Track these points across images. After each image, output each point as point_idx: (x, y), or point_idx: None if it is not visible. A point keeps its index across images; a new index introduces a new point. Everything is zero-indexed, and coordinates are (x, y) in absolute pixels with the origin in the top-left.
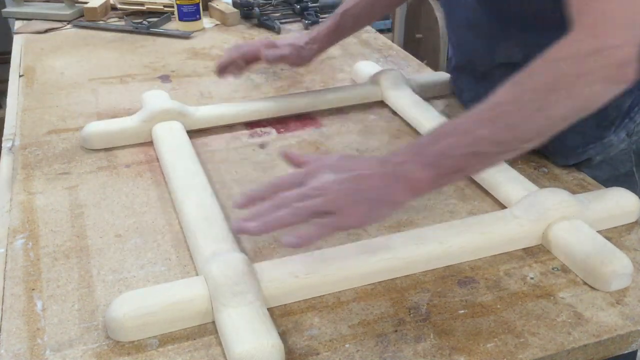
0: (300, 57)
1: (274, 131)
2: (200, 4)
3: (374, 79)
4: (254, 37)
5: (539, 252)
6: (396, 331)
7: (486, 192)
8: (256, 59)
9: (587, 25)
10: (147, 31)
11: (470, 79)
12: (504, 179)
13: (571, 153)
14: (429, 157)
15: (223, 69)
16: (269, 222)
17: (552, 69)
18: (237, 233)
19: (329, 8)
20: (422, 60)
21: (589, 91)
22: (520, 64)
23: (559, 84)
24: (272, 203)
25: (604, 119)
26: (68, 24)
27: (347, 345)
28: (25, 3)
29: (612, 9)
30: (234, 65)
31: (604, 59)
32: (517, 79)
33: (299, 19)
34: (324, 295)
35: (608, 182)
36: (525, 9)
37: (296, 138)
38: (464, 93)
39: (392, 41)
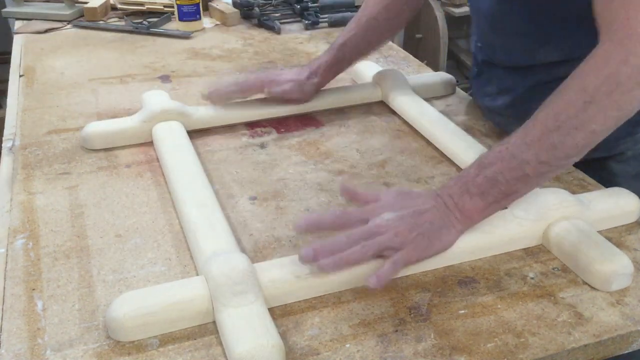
0: (302, 92)
1: (274, 131)
2: (200, 4)
3: (375, 79)
4: (254, 38)
5: (539, 252)
6: (396, 331)
7: None
8: (254, 92)
9: (615, 35)
10: (147, 31)
11: (502, 72)
12: None
13: (602, 146)
14: (475, 189)
15: (213, 99)
16: (341, 260)
17: (586, 83)
18: (305, 262)
19: (329, 8)
20: (422, 60)
21: (625, 99)
22: (560, 62)
23: (595, 97)
24: (342, 239)
25: (637, 114)
26: (68, 24)
27: (347, 345)
28: (25, 3)
29: (636, 16)
30: (227, 97)
31: (635, 66)
32: (553, 98)
33: (299, 19)
34: (324, 295)
35: (636, 177)
36: (568, 11)
37: (296, 138)
38: (492, 84)
39: (392, 41)
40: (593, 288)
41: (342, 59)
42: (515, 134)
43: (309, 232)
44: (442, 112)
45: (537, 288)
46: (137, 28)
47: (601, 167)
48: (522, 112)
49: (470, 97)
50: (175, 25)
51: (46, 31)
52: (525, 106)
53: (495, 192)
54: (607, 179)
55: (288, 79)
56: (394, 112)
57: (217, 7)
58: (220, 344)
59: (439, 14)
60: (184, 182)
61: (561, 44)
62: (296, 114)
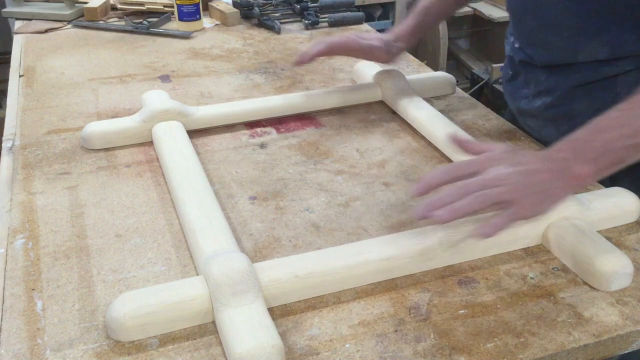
0: (388, 53)
1: (274, 131)
2: (200, 4)
3: (374, 79)
4: (254, 37)
5: (539, 252)
6: (396, 331)
7: None
8: (343, 50)
9: None
10: (147, 31)
11: (541, 72)
12: None
13: None
14: (590, 153)
15: (302, 62)
16: (456, 209)
17: None
18: (421, 219)
19: (329, 8)
20: (422, 60)
21: None
22: (605, 61)
23: None
24: (456, 191)
25: None
26: (68, 24)
27: (347, 345)
28: (25, 3)
29: None
30: (315, 57)
31: None
32: None
33: (299, 19)
34: (324, 295)
35: None
36: (617, 5)
37: (296, 138)
38: (529, 86)
39: None
40: (593, 288)
41: (423, 24)
42: (629, 101)
43: (426, 194)
44: (442, 112)
45: (537, 288)
46: (137, 28)
47: None
48: (562, 114)
49: (471, 97)
50: (175, 25)
51: (46, 31)
52: (566, 108)
53: (609, 157)
54: None
55: (375, 37)
56: (394, 112)
57: (217, 7)
58: (220, 344)
59: None
60: (184, 182)
61: (608, 40)
62: (296, 113)
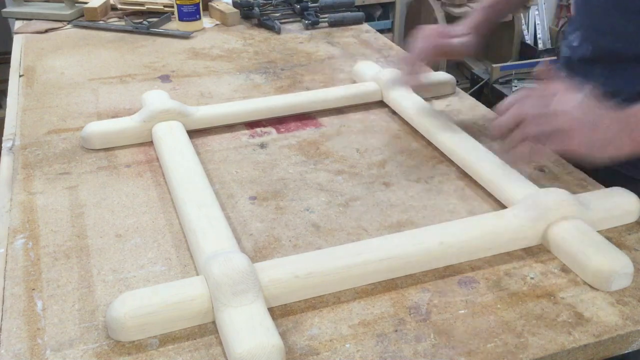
0: (469, 49)
1: (274, 131)
2: (200, 4)
3: (375, 79)
4: (254, 37)
5: (539, 252)
6: (396, 331)
7: (486, 192)
8: (439, 50)
9: None
10: (147, 31)
11: (607, 73)
12: (504, 179)
13: None
14: None
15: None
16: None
17: None
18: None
19: (329, 8)
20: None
21: None
22: None
23: None
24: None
25: None
26: (68, 24)
27: (347, 345)
28: (25, 3)
29: None
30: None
31: None
32: None
33: (299, 19)
34: (324, 295)
35: None
36: None
37: (296, 138)
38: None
39: (392, 41)
40: (593, 288)
41: (491, 19)
42: None
43: (506, 110)
44: (442, 112)
45: (537, 288)
46: (137, 28)
47: None
48: None
49: (471, 97)
50: (175, 25)
51: (46, 31)
52: None
53: None
54: None
55: (461, 33)
56: (394, 112)
57: (217, 7)
58: (220, 344)
59: (439, 15)
60: (184, 182)
61: None
62: (296, 113)
